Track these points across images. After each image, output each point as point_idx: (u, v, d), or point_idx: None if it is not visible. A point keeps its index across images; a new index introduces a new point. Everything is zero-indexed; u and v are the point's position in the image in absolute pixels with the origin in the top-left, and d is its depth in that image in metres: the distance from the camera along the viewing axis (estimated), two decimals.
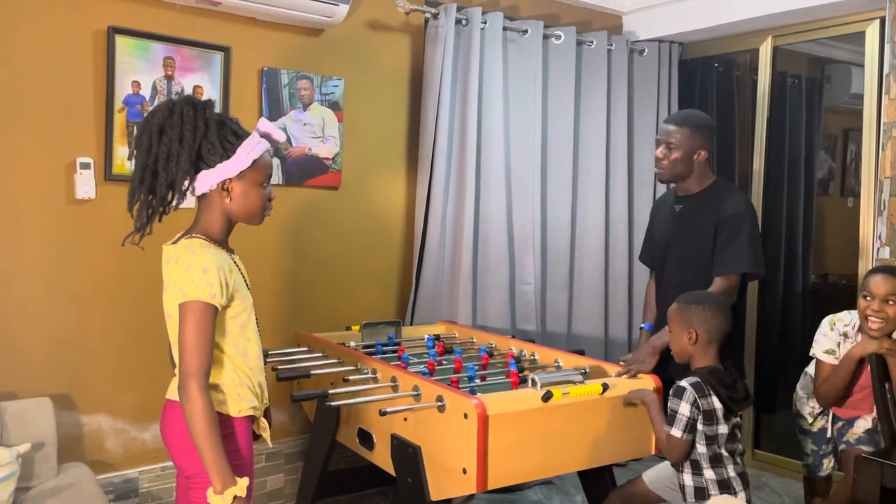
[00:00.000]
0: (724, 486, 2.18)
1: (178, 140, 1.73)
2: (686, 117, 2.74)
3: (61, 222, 2.72)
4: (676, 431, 2.17)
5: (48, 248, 2.70)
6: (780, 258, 4.31)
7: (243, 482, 1.70)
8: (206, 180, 1.77)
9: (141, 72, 2.80)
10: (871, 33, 3.47)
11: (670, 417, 2.19)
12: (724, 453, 2.19)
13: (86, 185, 2.72)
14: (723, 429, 2.18)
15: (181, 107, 1.75)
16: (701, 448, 2.19)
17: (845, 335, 2.65)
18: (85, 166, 2.72)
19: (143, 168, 1.74)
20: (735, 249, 2.60)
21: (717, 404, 2.18)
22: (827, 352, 2.67)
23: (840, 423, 2.72)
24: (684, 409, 2.16)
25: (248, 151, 1.78)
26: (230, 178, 1.78)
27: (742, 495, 2.19)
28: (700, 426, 2.17)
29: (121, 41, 2.75)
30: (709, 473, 2.19)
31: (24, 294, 2.67)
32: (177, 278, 1.73)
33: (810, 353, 2.74)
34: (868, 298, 2.51)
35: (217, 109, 1.83)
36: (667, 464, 2.37)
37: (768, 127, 3.96)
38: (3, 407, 2.49)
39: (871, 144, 3.46)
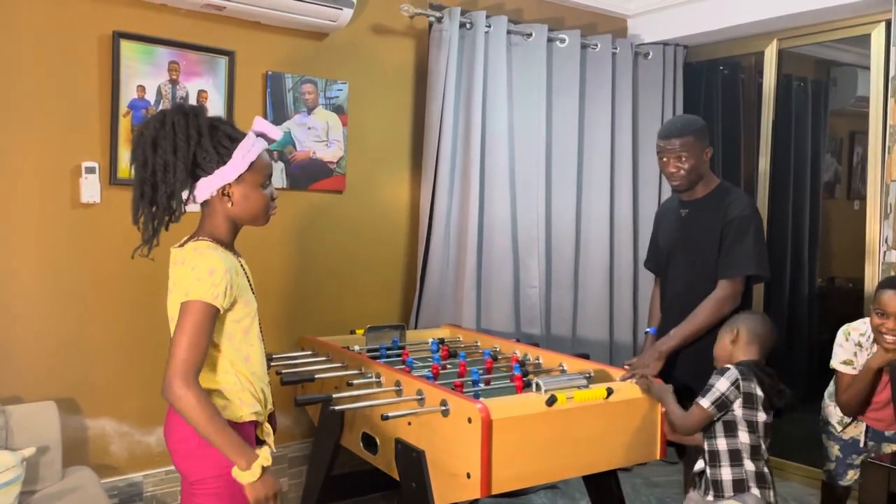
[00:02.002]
0: (761, 480, 2.21)
1: (173, 151, 1.71)
2: (683, 126, 2.70)
3: (66, 226, 2.72)
4: (706, 402, 2.19)
5: (53, 252, 2.71)
6: (786, 261, 4.30)
7: (265, 451, 1.70)
8: (206, 188, 1.77)
9: (146, 76, 2.81)
10: (877, 36, 3.46)
11: (705, 390, 2.22)
12: (763, 445, 2.22)
13: (91, 189, 2.73)
14: (762, 417, 2.21)
15: (172, 117, 1.74)
16: (744, 437, 2.21)
17: (860, 345, 2.63)
18: (90, 170, 2.73)
19: (142, 182, 1.74)
20: (740, 252, 2.59)
21: (759, 392, 2.20)
22: (844, 362, 2.65)
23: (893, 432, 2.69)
24: (722, 384, 2.19)
25: (244, 154, 1.77)
26: (229, 184, 1.77)
27: (769, 493, 2.22)
28: (739, 410, 2.20)
29: (126, 46, 2.76)
30: (748, 465, 2.20)
31: (30, 297, 2.67)
32: (182, 279, 1.72)
33: (830, 366, 2.72)
34: (882, 316, 2.48)
35: (220, 113, 1.83)
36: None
37: (774, 130, 3.95)
38: (8, 411, 2.50)
39: (878, 147, 3.44)
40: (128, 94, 2.78)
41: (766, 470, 2.23)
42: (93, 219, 2.75)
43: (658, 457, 2.46)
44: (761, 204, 3.94)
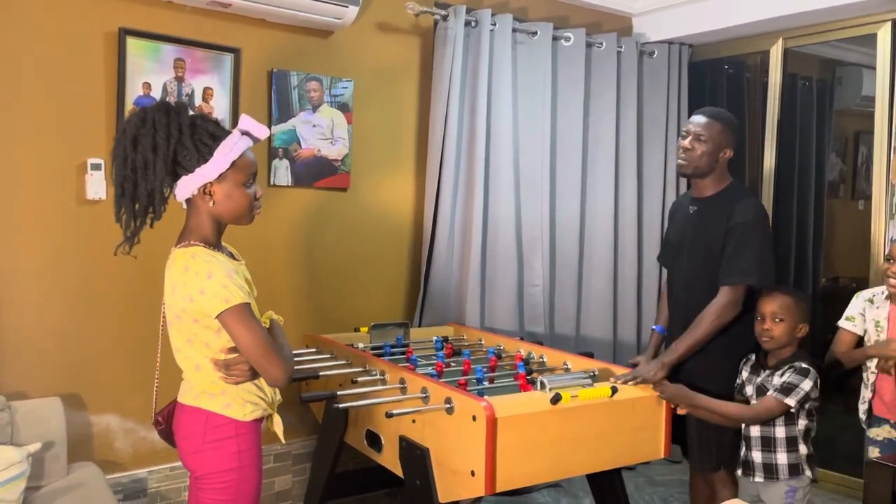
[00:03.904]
0: (811, 460, 2.38)
1: (152, 149, 1.70)
2: (719, 113, 2.70)
3: (72, 223, 2.73)
4: (791, 401, 2.30)
5: (59, 249, 2.71)
6: (790, 261, 4.29)
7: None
8: (186, 186, 1.76)
9: (152, 73, 2.81)
10: (883, 35, 3.45)
11: (787, 389, 2.32)
12: (814, 426, 2.40)
13: (96, 185, 2.73)
14: (816, 403, 2.40)
15: (153, 114, 1.73)
16: (802, 423, 2.37)
17: (871, 301, 2.67)
18: (96, 167, 2.73)
19: (123, 179, 1.73)
20: (743, 261, 2.54)
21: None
22: (847, 318, 2.68)
23: None
24: (807, 385, 2.32)
25: (226, 153, 1.75)
26: (210, 182, 1.76)
27: (816, 471, 2.40)
28: (808, 403, 2.35)
29: (132, 43, 2.76)
30: (802, 448, 2.37)
31: (35, 293, 2.68)
32: (188, 285, 1.72)
33: (837, 324, 2.74)
34: (891, 261, 2.55)
35: (225, 111, 1.83)
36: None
37: (779, 129, 3.94)
38: (13, 406, 2.51)
39: (883, 147, 3.44)
40: (133, 91, 2.78)
41: (812, 450, 2.39)
42: (98, 215, 2.75)
43: (662, 455, 2.46)
44: (766, 203, 3.93)
